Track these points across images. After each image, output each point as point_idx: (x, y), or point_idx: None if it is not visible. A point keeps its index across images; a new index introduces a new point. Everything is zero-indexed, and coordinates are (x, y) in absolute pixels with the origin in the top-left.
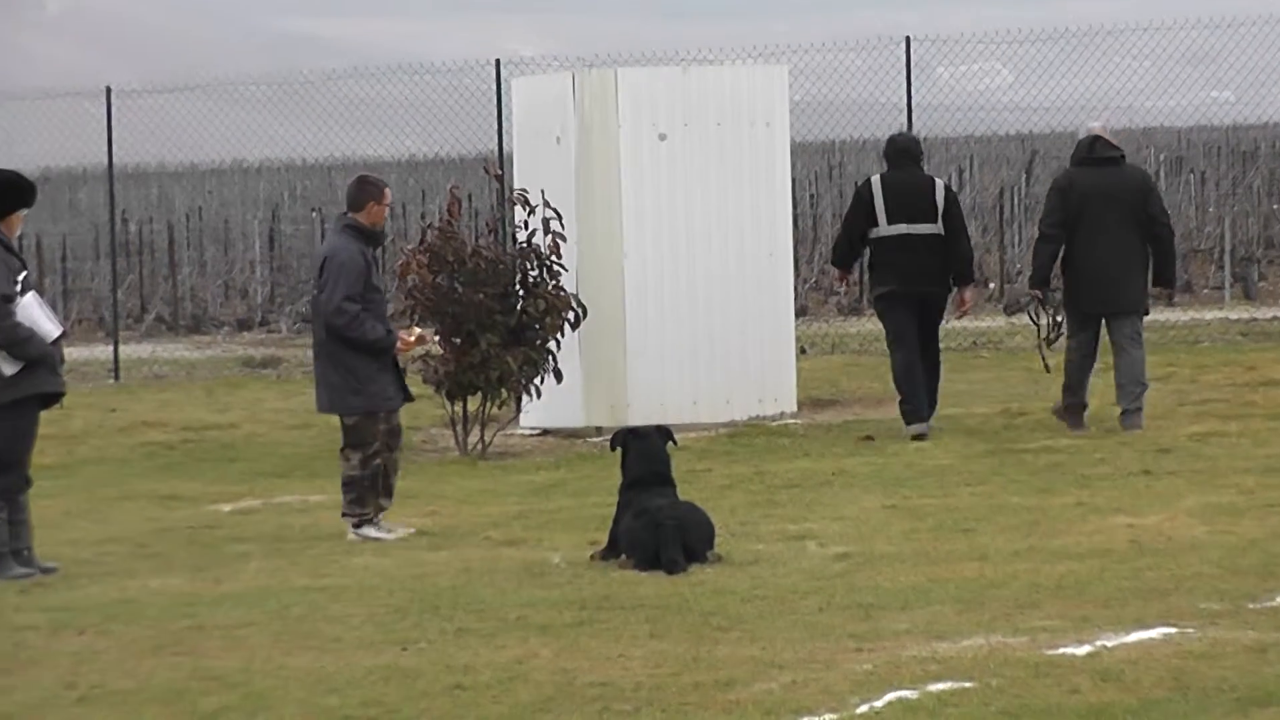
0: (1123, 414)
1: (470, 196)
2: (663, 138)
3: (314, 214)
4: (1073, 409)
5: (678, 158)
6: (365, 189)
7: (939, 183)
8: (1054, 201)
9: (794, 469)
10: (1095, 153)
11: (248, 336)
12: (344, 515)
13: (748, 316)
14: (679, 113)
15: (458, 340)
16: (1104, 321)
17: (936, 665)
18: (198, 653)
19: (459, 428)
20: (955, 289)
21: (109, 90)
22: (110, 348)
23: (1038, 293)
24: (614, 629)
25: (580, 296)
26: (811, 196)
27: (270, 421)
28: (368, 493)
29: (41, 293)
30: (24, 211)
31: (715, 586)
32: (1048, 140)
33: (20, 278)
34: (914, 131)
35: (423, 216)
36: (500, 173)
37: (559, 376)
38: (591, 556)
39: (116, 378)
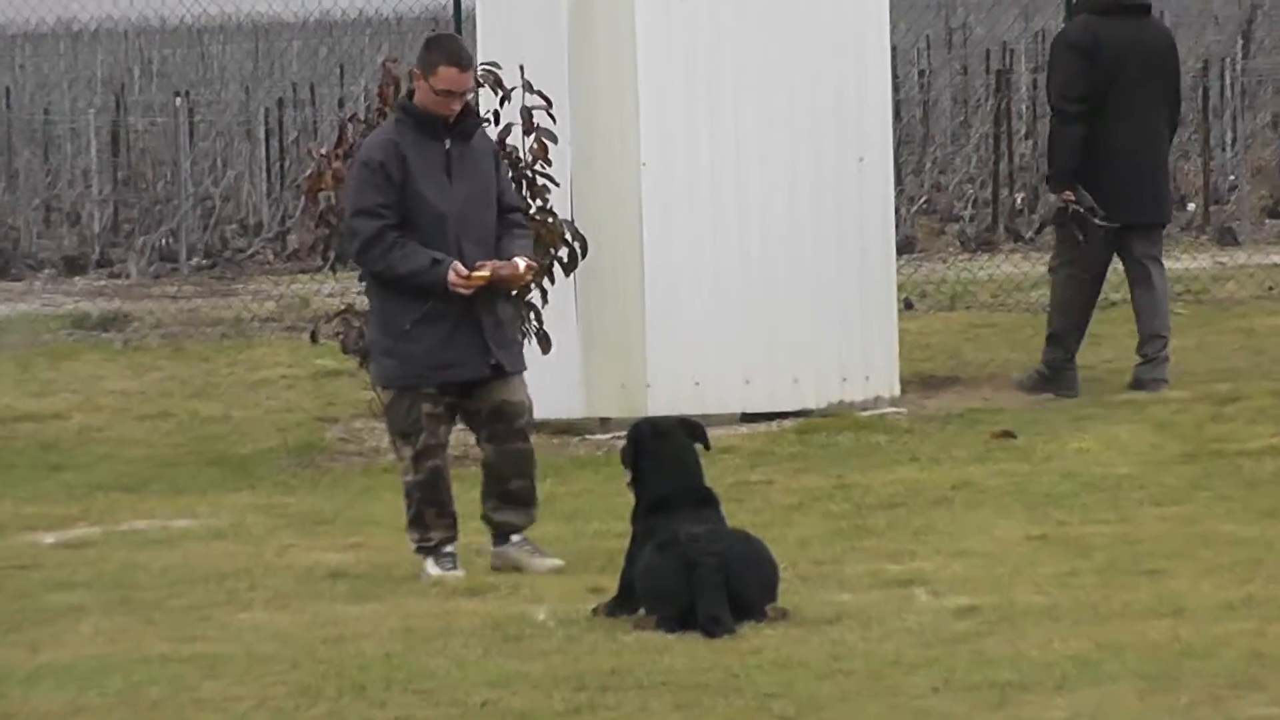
0: (1142, 368)
1: (411, 75)
2: None
3: (178, 100)
4: (1065, 370)
5: (721, 17)
6: (425, 52)
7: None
8: (1076, 66)
9: (895, 481)
10: None
11: (80, 283)
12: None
13: (826, 254)
14: None
15: None
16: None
17: None
18: None
19: None
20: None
21: None
22: None
23: (1070, 195)
24: (628, 718)
25: (577, 225)
26: (921, 74)
27: (114, 409)
28: (426, 509)
29: None
30: None
31: (778, 656)
32: None
33: None
34: None
35: (340, 104)
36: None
37: (545, 343)
38: (594, 611)
39: None
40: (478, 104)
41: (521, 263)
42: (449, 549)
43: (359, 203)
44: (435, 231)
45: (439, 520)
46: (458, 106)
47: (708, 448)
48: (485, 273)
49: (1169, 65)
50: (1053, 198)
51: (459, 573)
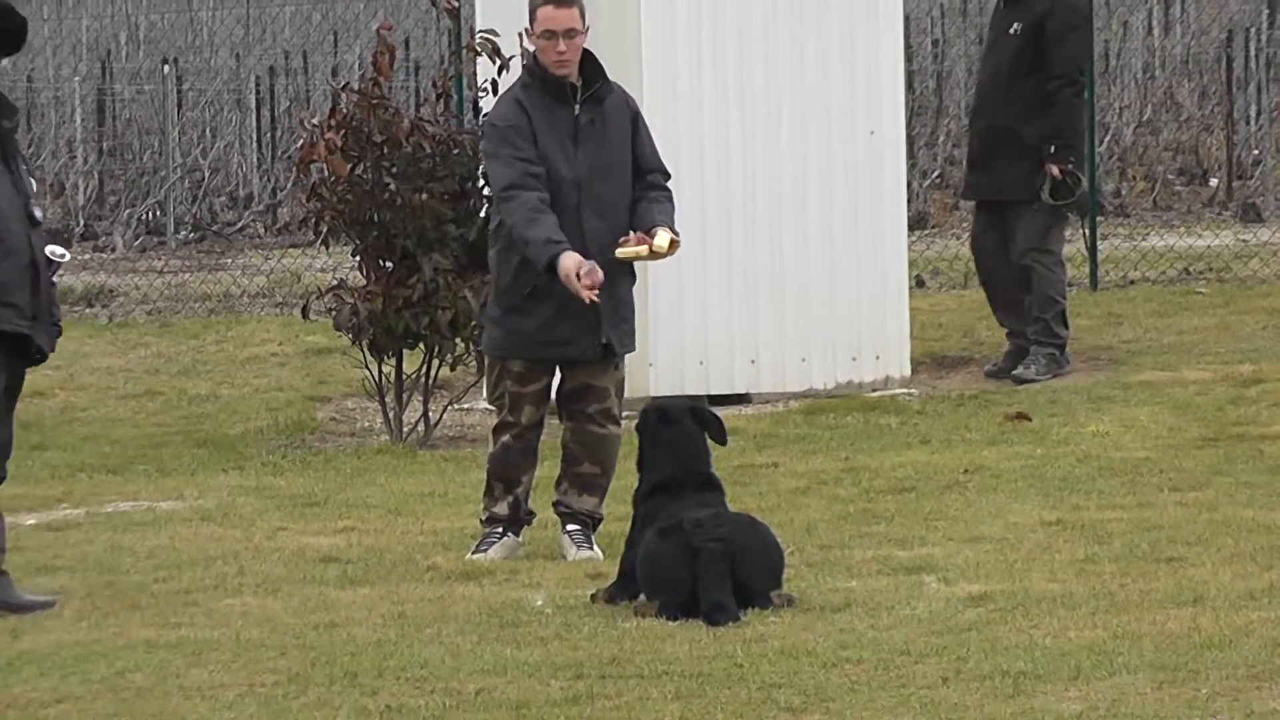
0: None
1: (407, 42)
2: None
3: (165, 67)
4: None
5: None
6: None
7: None
8: (1084, 35)
9: (905, 464)
10: None
11: (64, 256)
12: None
13: (835, 230)
14: None
15: (388, 264)
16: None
17: None
18: None
19: (389, 399)
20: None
21: None
22: None
23: (1069, 165)
24: (627, 707)
25: None
26: (935, 43)
27: (98, 387)
28: (495, 482)
29: None
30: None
31: (783, 644)
32: None
33: None
34: None
35: (334, 73)
36: (455, 5)
37: None
38: (593, 597)
39: None
40: (599, 65)
41: (667, 237)
42: (502, 529)
43: (494, 154)
44: (556, 200)
45: (504, 496)
46: (565, 48)
47: (723, 443)
48: (601, 277)
49: None
50: (1055, 170)
51: (489, 556)
